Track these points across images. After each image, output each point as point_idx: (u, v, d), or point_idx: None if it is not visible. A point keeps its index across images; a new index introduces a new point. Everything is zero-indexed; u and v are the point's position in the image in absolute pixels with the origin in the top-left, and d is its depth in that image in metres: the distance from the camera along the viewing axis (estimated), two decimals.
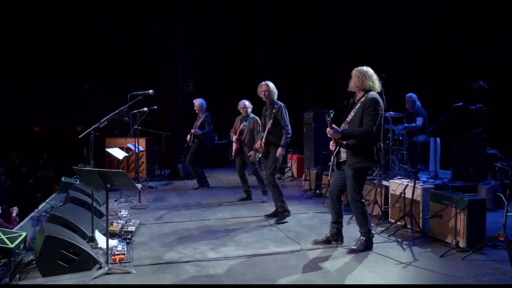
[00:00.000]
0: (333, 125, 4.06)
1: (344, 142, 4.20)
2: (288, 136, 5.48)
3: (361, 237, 4.29)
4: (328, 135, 4.17)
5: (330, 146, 4.35)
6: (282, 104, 5.54)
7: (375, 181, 5.65)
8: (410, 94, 7.26)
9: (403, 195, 5.01)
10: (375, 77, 4.22)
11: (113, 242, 4.28)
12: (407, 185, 5.02)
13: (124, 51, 11.75)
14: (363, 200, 4.26)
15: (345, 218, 4.84)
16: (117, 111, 5.08)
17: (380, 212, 5.44)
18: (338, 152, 4.29)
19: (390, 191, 5.40)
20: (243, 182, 7.01)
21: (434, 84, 8.30)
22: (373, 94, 4.15)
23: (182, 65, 11.64)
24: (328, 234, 4.50)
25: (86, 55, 11.52)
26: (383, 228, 4.95)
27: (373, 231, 4.42)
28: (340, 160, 4.29)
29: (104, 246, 4.01)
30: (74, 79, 12.10)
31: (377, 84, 4.22)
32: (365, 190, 5.89)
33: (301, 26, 11.58)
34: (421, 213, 4.85)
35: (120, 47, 11.71)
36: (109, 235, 4.02)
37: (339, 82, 8.81)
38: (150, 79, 11.59)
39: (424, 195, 4.84)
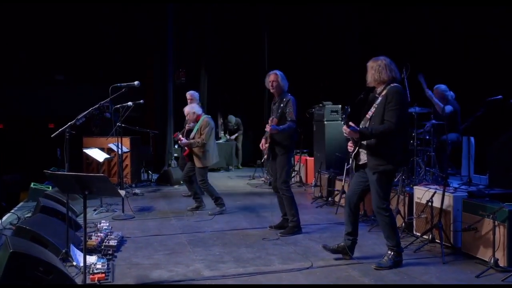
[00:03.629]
0: (350, 123, 4.07)
1: (364, 142, 4.19)
2: (292, 126, 5.33)
3: (389, 252, 4.27)
4: (345, 134, 4.18)
5: (349, 147, 4.36)
6: (292, 97, 5.47)
7: (397, 188, 5.62)
8: (438, 85, 7.20)
9: (430, 204, 4.98)
10: (393, 65, 4.24)
11: (91, 259, 4.25)
12: (435, 192, 4.99)
13: (104, 36, 11.72)
14: (390, 208, 4.25)
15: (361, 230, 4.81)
16: (97, 105, 5.05)
17: (403, 224, 5.41)
18: (357, 154, 4.28)
19: (415, 199, 5.38)
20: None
21: (467, 73, 8.23)
22: (395, 85, 4.17)
23: (172, 52, 11.61)
24: (341, 244, 4.50)
25: (59, 40, 11.44)
26: (407, 243, 4.90)
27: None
28: (360, 163, 4.30)
29: (81, 263, 3.98)
30: (45, 68, 12.04)
31: (398, 73, 4.24)
32: None
33: (311, 10, 11.53)
34: (451, 226, 4.81)
35: (99, 31, 11.67)
36: (87, 250, 3.97)
37: (354, 72, 8.76)
38: (135, 68, 11.56)
39: (456, 204, 4.80)
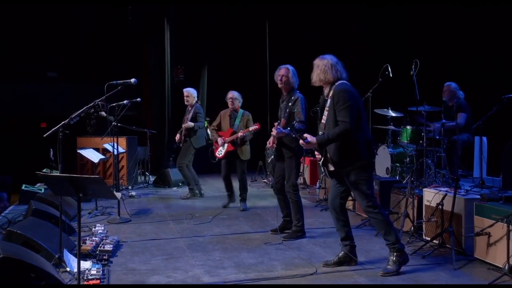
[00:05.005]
0: (305, 135, 4.21)
1: (326, 149, 4.28)
2: (301, 127, 5.17)
3: (392, 254, 4.26)
4: (304, 148, 4.34)
5: (317, 156, 4.46)
6: (302, 95, 5.43)
7: (406, 190, 5.61)
8: (449, 83, 7.20)
9: (440, 207, 4.96)
10: (340, 66, 4.33)
11: (86, 264, 4.25)
12: (446, 194, 4.98)
13: (99, 31, 11.70)
14: (378, 204, 4.29)
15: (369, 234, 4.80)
16: (91, 104, 5.05)
17: (412, 228, 5.40)
18: (326, 161, 4.35)
19: (425, 202, 5.36)
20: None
21: (479, 69, 8.21)
22: (340, 84, 4.26)
23: (170, 48, 11.61)
24: (341, 253, 4.51)
25: (52, 35, 11.42)
26: (416, 248, 4.90)
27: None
28: (331, 169, 4.37)
29: (75, 269, 3.98)
30: (37, 65, 12.02)
31: (344, 73, 4.33)
32: (393, 200, 5.89)
33: (314, 2, 11.52)
34: (463, 230, 4.80)
35: (93, 26, 11.65)
36: (81, 255, 3.97)
37: (358, 69, 8.75)
38: (132, 65, 11.56)
39: (467, 207, 4.79)
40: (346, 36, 11.02)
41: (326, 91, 4.34)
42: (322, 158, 4.33)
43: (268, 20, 12.31)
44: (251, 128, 6.94)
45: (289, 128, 4.18)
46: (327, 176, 4.52)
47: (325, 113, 4.31)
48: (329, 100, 4.26)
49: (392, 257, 4.25)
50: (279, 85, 5.48)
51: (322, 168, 4.45)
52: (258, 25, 12.36)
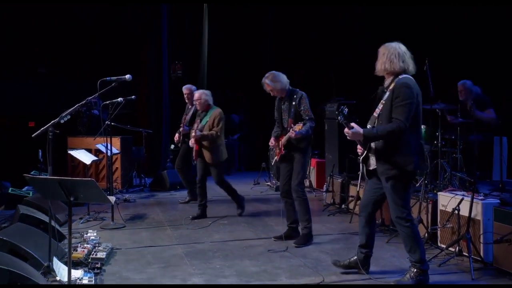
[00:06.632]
0: (352, 124, 4.02)
1: (372, 145, 4.14)
2: (312, 125, 5.44)
3: (412, 269, 4.15)
4: (348, 138, 4.12)
5: (358, 150, 4.32)
6: (304, 93, 5.53)
7: (420, 194, 5.59)
8: (463, 81, 7.19)
9: (457, 212, 4.95)
10: (408, 55, 4.18)
11: (77, 273, 4.24)
12: (462, 199, 4.96)
13: (92, 24, 11.69)
14: (411, 217, 4.19)
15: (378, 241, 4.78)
16: (84, 102, 5.05)
17: (427, 235, 5.38)
18: (367, 158, 4.24)
19: (440, 207, 5.35)
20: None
21: (495, 64, 8.17)
22: (404, 78, 4.11)
23: (168, 42, 11.60)
24: (354, 258, 4.48)
25: (41, 28, 11.40)
26: (431, 256, 4.87)
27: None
28: (370, 168, 4.25)
29: (65, 278, 3.97)
30: (25, 60, 12.00)
31: (412, 65, 4.17)
32: None
33: None
34: (481, 237, 4.77)
35: (86, 18, 11.64)
36: (72, 263, 3.98)
37: (369, 64, 8.72)
38: (126, 60, 11.53)
39: (486, 212, 4.77)
40: (345, 36, 11.06)
41: (387, 82, 4.19)
42: (364, 154, 4.21)
43: (267, 18, 12.37)
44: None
45: (338, 116, 4.01)
46: (364, 176, 4.35)
47: (380, 105, 4.16)
48: (388, 93, 4.11)
49: (411, 273, 4.13)
50: (274, 95, 5.64)
51: (360, 165, 4.32)
52: (258, 25, 12.41)
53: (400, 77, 4.10)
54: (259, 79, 5.66)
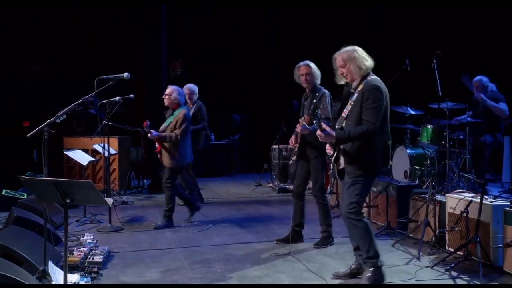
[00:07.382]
0: (324, 126, 4.13)
1: (341, 146, 4.25)
2: (327, 123, 5.41)
3: (367, 268, 4.21)
4: (320, 140, 4.25)
5: (327, 150, 4.44)
6: (327, 91, 5.53)
7: (426, 196, 5.58)
8: (479, 77, 7.15)
9: (465, 214, 4.92)
10: (365, 53, 4.28)
11: (73, 278, 4.24)
12: (471, 201, 4.94)
13: (89, 21, 11.70)
14: (362, 212, 4.28)
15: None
16: (80, 101, 5.04)
17: (434, 238, 5.36)
18: (337, 158, 4.34)
19: (448, 210, 5.34)
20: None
21: (506, 61, 8.16)
22: (372, 79, 4.22)
23: (167, 40, 11.60)
24: (353, 266, 4.51)
25: (36, 24, 11.40)
26: (439, 260, 4.87)
27: (421, 260, 4.44)
28: (340, 168, 4.36)
29: (61, 283, 3.95)
30: (19, 57, 12.00)
31: (370, 59, 4.26)
32: (412, 207, 5.85)
33: None
34: (491, 240, 4.76)
35: (83, 15, 11.65)
36: (69, 268, 3.97)
37: (376, 61, 8.72)
38: (124, 58, 11.54)
39: (496, 215, 4.75)
40: (346, 35, 11.05)
41: (354, 84, 4.26)
42: (335, 154, 4.31)
43: (268, 18, 12.38)
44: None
45: (315, 121, 4.12)
46: (335, 175, 4.48)
47: (348, 106, 4.25)
48: (356, 94, 4.20)
49: (367, 273, 4.20)
50: (303, 85, 5.56)
51: (331, 165, 4.46)
52: (258, 25, 12.42)
53: (368, 78, 4.21)
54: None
